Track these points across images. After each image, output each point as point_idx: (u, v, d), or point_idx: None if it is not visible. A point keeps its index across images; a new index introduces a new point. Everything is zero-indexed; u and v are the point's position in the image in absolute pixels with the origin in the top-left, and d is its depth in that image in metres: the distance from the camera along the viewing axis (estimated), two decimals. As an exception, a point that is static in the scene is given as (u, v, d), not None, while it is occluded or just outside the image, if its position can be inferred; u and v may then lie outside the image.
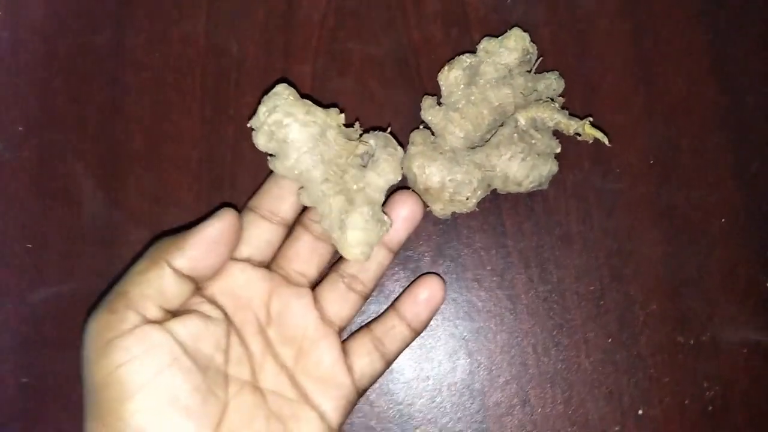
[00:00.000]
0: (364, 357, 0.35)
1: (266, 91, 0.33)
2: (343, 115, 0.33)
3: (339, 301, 0.35)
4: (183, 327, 0.30)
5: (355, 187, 0.32)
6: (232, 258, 0.33)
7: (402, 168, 0.35)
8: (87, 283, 0.38)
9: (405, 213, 0.35)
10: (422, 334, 0.38)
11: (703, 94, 0.40)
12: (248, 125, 0.33)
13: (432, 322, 0.38)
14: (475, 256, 0.39)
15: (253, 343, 0.33)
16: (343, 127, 0.34)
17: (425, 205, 0.38)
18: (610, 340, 0.38)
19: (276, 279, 0.34)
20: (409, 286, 0.36)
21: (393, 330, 0.35)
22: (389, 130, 0.35)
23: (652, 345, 0.38)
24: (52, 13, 0.42)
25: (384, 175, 0.33)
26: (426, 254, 0.39)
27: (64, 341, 0.38)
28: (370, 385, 0.35)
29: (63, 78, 0.41)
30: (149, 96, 0.41)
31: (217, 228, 0.31)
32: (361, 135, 0.35)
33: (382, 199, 0.34)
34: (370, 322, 0.36)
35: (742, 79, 0.41)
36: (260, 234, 0.34)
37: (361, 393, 0.35)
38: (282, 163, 0.32)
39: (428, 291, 0.36)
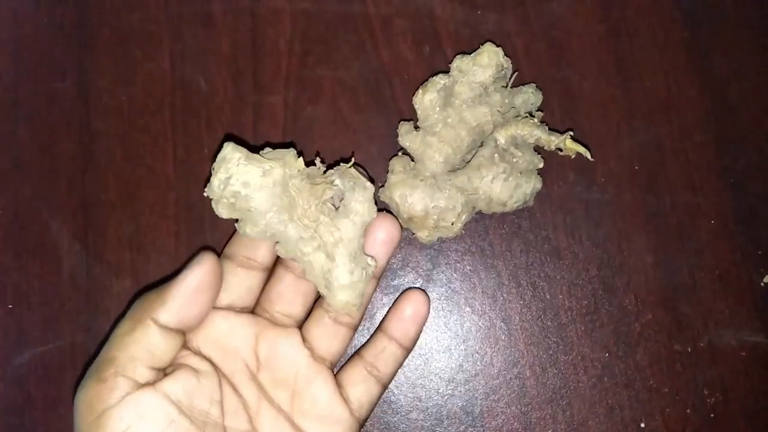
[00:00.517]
0: (359, 385, 0.34)
1: (217, 150, 0.32)
2: (301, 159, 0.32)
3: (328, 336, 0.34)
4: (175, 385, 0.29)
5: (331, 239, 0.31)
6: (214, 307, 0.32)
7: (376, 202, 0.34)
8: (71, 340, 0.38)
9: (382, 236, 0.34)
10: (417, 363, 0.38)
11: (683, 93, 0.40)
12: (204, 194, 0.31)
13: (426, 350, 0.38)
14: (466, 279, 0.38)
15: (246, 391, 0.32)
16: (305, 169, 0.32)
17: (411, 233, 0.37)
18: (607, 355, 0.37)
19: (261, 323, 0.33)
20: (392, 305, 0.36)
21: (384, 352, 0.35)
22: (352, 161, 0.34)
23: (649, 356, 0.37)
24: (12, 61, 0.40)
25: (358, 217, 0.32)
26: (415, 282, 0.38)
27: (51, 401, 0.37)
28: (370, 412, 0.35)
29: (29, 128, 0.40)
30: (119, 141, 0.39)
31: (198, 275, 0.31)
32: (325, 172, 0.33)
33: (362, 241, 0.33)
34: (359, 348, 0.36)
35: (722, 75, 0.40)
36: (239, 282, 0.33)
37: (362, 423, 0.34)
38: (252, 229, 0.31)
39: (412, 306, 0.35)
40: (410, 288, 0.38)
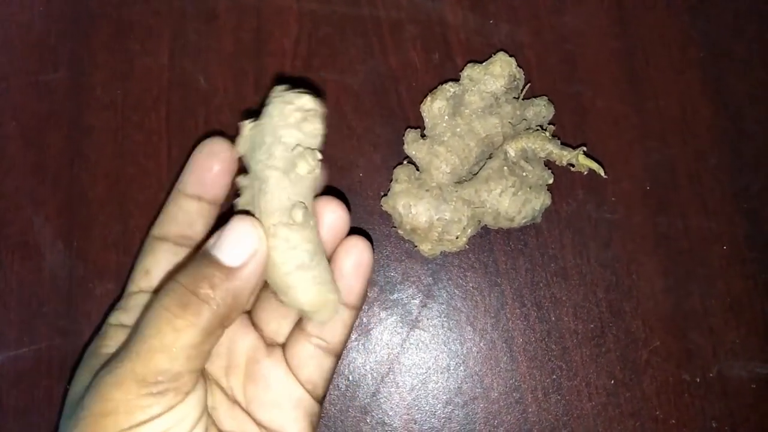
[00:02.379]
0: (309, 364, 0.30)
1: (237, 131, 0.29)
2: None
3: (276, 318, 0.31)
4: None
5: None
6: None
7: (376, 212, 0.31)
8: (48, 344, 0.36)
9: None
10: (414, 382, 0.36)
11: (698, 114, 0.39)
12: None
13: (423, 369, 0.36)
14: (468, 296, 0.37)
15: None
16: None
17: (413, 245, 0.35)
18: (612, 381, 0.36)
19: None
20: (330, 258, 0.30)
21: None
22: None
23: (656, 384, 0.36)
24: (3, 49, 0.39)
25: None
26: (415, 297, 0.37)
27: (22, 409, 0.35)
28: (328, 387, 0.31)
29: (17, 119, 0.38)
30: (111, 137, 0.38)
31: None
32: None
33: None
34: (298, 320, 0.31)
35: (738, 97, 0.39)
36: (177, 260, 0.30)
37: (321, 401, 0.31)
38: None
39: (353, 256, 0.29)
40: (349, 235, 0.31)
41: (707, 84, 0.39)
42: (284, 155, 0.27)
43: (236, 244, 0.25)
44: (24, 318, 0.36)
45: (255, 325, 0.31)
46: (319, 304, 0.27)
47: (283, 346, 0.31)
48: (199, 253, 0.26)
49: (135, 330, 0.25)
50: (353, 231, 0.30)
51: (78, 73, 0.38)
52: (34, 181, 0.37)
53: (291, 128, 0.27)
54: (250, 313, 0.31)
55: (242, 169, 0.29)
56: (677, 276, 0.37)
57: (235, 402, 0.30)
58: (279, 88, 0.28)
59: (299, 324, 0.31)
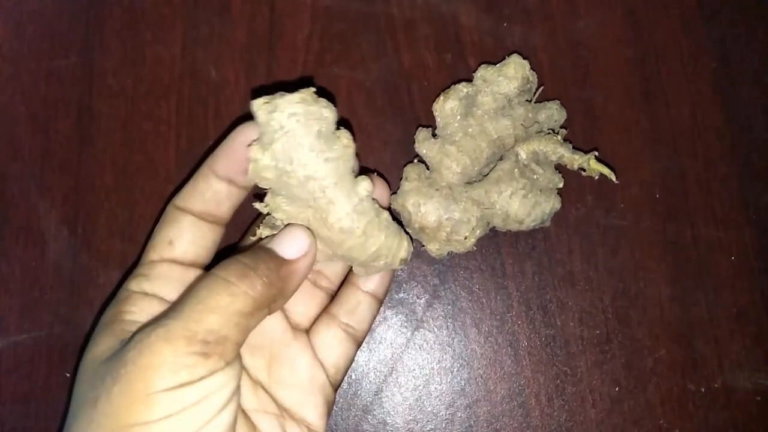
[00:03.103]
0: (337, 349, 0.31)
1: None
2: None
3: (304, 300, 0.32)
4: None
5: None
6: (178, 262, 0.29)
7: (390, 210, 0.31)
8: (49, 331, 0.35)
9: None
10: (417, 383, 0.36)
11: (709, 123, 0.38)
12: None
13: (427, 369, 0.36)
14: (474, 298, 0.36)
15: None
16: None
17: (420, 244, 0.35)
18: (617, 389, 0.35)
19: None
20: None
21: (359, 307, 0.32)
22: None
23: (661, 393, 0.35)
24: (14, 33, 0.38)
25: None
26: (421, 296, 0.36)
27: (21, 395, 0.35)
28: (344, 376, 0.32)
29: (26, 103, 0.38)
30: (120, 125, 0.37)
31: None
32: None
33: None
34: (328, 305, 0.32)
35: (750, 108, 0.39)
36: (203, 235, 0.30)
37: (336, 388, 0.32)
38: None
39: None
40: None
41: (719, 93, 0.39)
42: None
43: (292, 243, 0.28)
44: (25, 304, 0.35)
45: (282, 309, 0.31)
46: (407, 257, 0.30)
47: (307, 332, 0.32)
48: (256, 246, 0.28)
49: (186, 295, 0.25)
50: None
51: (89, 60, 0.38)
52: (41, 167, 0.37)
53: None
54: None
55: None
56: (684, 285, 0.37)
57: (257, 382, 0.30)
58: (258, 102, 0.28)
59: (327, 310, 0.32)
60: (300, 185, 0.27)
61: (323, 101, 0.28)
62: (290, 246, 0.28)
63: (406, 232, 0.31)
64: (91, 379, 0.25)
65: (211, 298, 0.25)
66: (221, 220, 0.30)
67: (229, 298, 0.25)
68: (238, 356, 0.26)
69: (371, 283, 0.32)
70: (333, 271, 0.33)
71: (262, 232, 0.29)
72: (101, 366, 0.25)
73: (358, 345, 0.32)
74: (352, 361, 0.32)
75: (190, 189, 0.30)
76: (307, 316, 0.32)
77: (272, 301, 0.26)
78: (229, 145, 0.29)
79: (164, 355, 0.23)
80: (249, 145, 0.28)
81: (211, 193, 0.30)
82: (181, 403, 0.23)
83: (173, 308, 0.25)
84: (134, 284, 0.28)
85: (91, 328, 0.34)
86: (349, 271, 0.32)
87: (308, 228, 0.28)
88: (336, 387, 0.31)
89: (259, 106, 0.27)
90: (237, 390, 0.26)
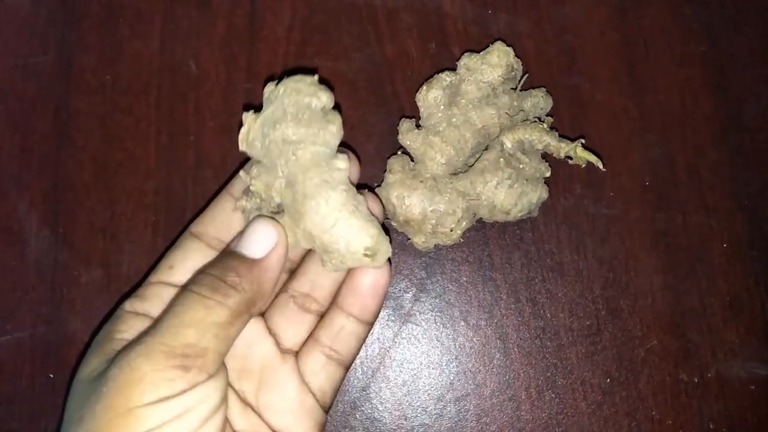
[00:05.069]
0: (320, 373, 0.30)
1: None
2: None
3: (292, 324, 0.31)
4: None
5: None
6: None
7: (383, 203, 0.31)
8: (32, 332, 0.35)
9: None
10: (405, 378, 0.35)
11: (698, 109, 0.38)
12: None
13: (415, 364, 0.35)
14: (461, 291, 0.36)
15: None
16: None
17: (406, 237, 0.34)
18: (608, 380, 0.35)
19: None
20: (347, 275, 0.30)
21: (342, 331, 0.30)
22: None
23: (653, 384, 0.35)
24: (-10, 31, 0.38)
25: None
26: (408, 290, 0.36)
27: (5, 398, 0.34)
28: (335, 397, 0.31)
29: (3, 101, 0.37)
30: (99, 122, 0.37)
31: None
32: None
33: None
34: (314, 330, 0.31)
35: (739, 93, 0.38)
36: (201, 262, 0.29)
37: (328, 410, 0.31)
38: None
39: (371, 275, 0.30)
40: None
41: (708, 78, 0.38)
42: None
43: (258, 239, 0.27)
44: (7, 305, 0.35)
45: (270, 331, 0.31)
46: (374, 247, 0.28)
47: (296, 354, 0.31)
48: (223, 251, 0.28)
49: (164, 312, 0.26)
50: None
51: (66, 57, 0.38)
52: (19, 166, 0.36)
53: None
54: (265, 320, 0.31)
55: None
56: (676, 273, 0.36)
57: (247, 404, 0.30)
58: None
59: (313, 334, 0.31)
60: (278, 151, 0.27)
61: (323, 86, 0.29)
62: (257, 244, 0.27)
63: (391, 227, 0.30)
64: (80, 398, 0.25)
65: (186, 313, 0.25)
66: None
67: (204, 311, 0.25)
68: (223, 369, 0.26)
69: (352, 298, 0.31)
70: (322, 294, 0.31)
71: (246, 205, 0.29)
72: (89, 385, 0.25)
73: (346, 368, 0.31)
74: (339, 383, 0.31)
75: (207, 213, 0.31)
76: (295, 340, 0.31)
77: (251, 305, 0.26)
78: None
79: (143, 371, 0.23)
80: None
81: (224, 215, 0.30)
82: (162, 417, 0.23)
83: (153, 326, 0.25)
84: (128, 305, 0.28)
85: (73, 330, 0.34)
86: (336, 293, 0.31)
87: (273, 218, 0.28)
88: (327, 409, 0.31)
89: (269, 85, 0.29)
90: (222, 402, 0.25)
